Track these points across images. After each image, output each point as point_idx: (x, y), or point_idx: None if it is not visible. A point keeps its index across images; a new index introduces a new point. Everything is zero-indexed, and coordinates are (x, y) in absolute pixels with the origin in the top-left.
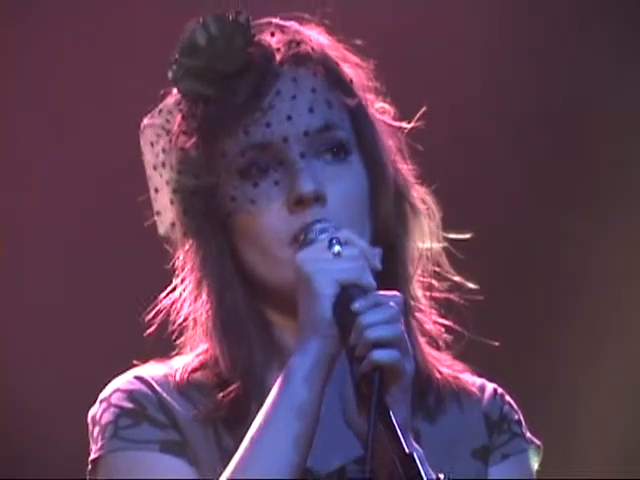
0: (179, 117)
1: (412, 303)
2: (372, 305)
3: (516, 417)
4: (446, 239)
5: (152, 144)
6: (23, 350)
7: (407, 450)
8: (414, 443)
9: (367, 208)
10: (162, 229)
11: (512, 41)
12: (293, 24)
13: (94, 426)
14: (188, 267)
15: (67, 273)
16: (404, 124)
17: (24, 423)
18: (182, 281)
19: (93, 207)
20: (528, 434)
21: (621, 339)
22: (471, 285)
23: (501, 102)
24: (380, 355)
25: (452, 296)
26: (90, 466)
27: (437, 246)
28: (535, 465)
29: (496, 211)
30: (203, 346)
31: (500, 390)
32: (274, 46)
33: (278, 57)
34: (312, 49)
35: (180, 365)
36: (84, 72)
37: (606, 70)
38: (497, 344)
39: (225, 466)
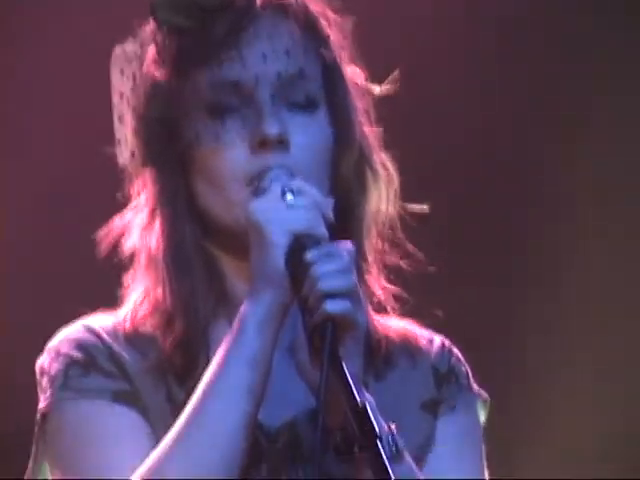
0: (153, 47)
1: (362, 265)
2: (325, 255)
3: (464, 370)
4: (402, 207)
5: (122, 71)
6: None
7: (359, 400)
8: (366, 394)
9: (329, 163)
10: (121, 158)
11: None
12: None
13: (42, 376)
14: (143, 197)
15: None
16: (374, 87)
17: None
18: (135, 210)
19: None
20: (475, 387)
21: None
22: (420, 255)
23: (470, 73)
24: (333, 306)
25: (402, 264)
26: (39, 416)
27: (392, 212)
28: (482, 417)
29: (456, 183)
30: (147, 282)
31: (448, 343)
32: None
33: (260, 1)
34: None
35: (128, 314)
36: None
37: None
38: (440, 314)
39: (175, 418)
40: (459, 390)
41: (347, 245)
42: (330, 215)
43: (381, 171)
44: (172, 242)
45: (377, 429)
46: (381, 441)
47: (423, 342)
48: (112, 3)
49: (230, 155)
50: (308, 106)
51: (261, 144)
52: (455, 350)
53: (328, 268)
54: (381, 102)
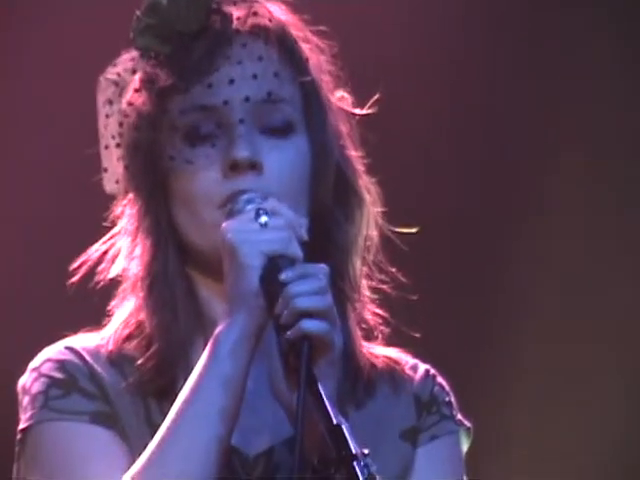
0: (132, 73)
1: (349, 290)
2: (300, 275)
3: (447, 399)
4: (387, 231)
5: (108, 101)
6: None
7: (335, 422)
8: (341, 417)
9: (306, 187)
10: (108, 186)
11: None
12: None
13: (24, 395)
14: (127, 222)
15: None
16: (358, 110)
17: None
18: (120, 235)
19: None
20: (459, 416)
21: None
22: (404, 280)
23: (455, 100)
24: (309, 325)
25: (386, 288)
26: (19, 435)
27: (376, 237)
28: (465, 447)
29: (438, 208)
30: (131, 306)
31: (432, 371)
32: (234, 14)
33: (235, 25)
34: (270, 21)
35: (111, 335)
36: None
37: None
38: (417, 335)
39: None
40: (440, 419)
41: (322, 266)
42: (304, 235)
43: (364, 194)
44: (154, 268)
45: (353, 449)
46: (357, 462)
47: (407, 370)
48: (101, 23)
49: (202, 179)
50: (284, 130)
51: (232, 167)
52: (439, 379)
53: (303, 288)
54: (368, 126)
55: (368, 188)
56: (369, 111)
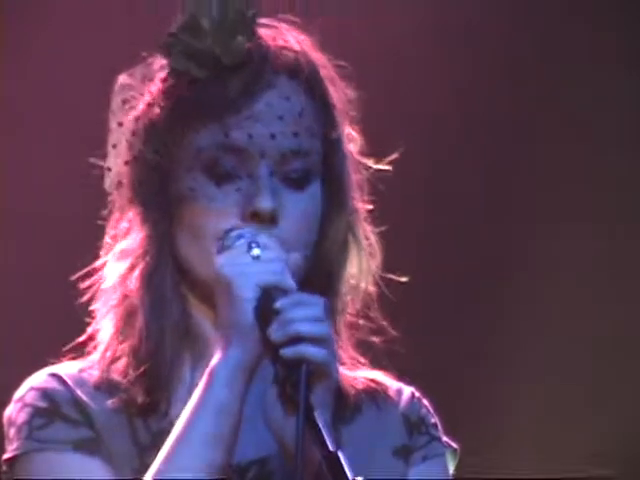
0: (159, 89)
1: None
2: (295, 303)
3: (433, 420)
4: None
5: (125, 101)
6: None
7: (331, 449)
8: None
9: (315, 232)
10: (108, 183)
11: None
12: (294, 33)
13: (9, 426)
14: (128, 239)
15: None
16: (371, 163)
17: None
18: (119, 253)
19: None
20: (444, 438)
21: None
22: (394, 333)
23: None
24: (308, 350)
25: (374, 339)
26: (6, 467)
27: (371, 286)
28: (451, 468)
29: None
30: (119, 326)
31: (417, 394)
32: (272, 51)
33: (274, 63)
34: (307, 63)
35: (95, 360)
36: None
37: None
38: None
39: (141, 461)
40: (430, 440)
41: (318, 297)
42: (299, 268)
43: (364, 243)
44: (152, 286)
45: (350, 477)
46: None
47: (392, 392)
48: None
49: (219, 220)
50: (303, 179)
51: (252, 216)
52: (424, 401)
53: (301, 314)
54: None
55: (367, 236)
56: (384, 167)
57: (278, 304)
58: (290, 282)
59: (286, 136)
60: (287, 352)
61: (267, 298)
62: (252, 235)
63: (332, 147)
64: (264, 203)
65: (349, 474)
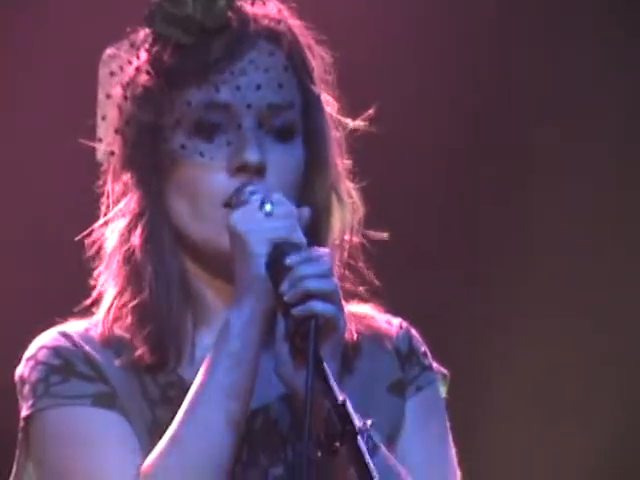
0: (146, 55)
1: None
2: (305, 259)
3: (422, 349)
4: (364, 236)
5: (112, 73)
6: None
7: (340, 399)
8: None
9: (299, 187)
10: (100, 155)
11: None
12: (274, 2)
13: (23, 385)
14: (125, 200)
15: None
16: (349, 121)
17: None
18: (115, 216)
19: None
20: (435, 364)
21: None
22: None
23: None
24: (317, 306)
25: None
26: (22, 424)
27: (355, 240)
28: (443, 393)
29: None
30: (123, 284)
31: (405, 324)
32: (252, 15)
33: (254, 27)
34: (288, 29)
35: (100, 319)
36: None
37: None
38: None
39: (152, 414)
40: (422, 370)
41: (326, 251)
42: (307, 223)
43: (346, 199)
44: (152, 245)
45: (357, 424)
46: (361, 434)
47: (384, 325)
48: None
49: (209, 174)
50: (288, 132)
51: (240, 169)
52: (413, 330)
53: (310, 270)
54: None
55: (350, 193)
56: (361, 123)
57: (288, 260)
58: (300, 237)
59: (271, 87)
60: (298, 310)
61: (279, 253)
62: (265, 190)
63: (311, 104)
64: (251, 155)
65: (356, 422)
